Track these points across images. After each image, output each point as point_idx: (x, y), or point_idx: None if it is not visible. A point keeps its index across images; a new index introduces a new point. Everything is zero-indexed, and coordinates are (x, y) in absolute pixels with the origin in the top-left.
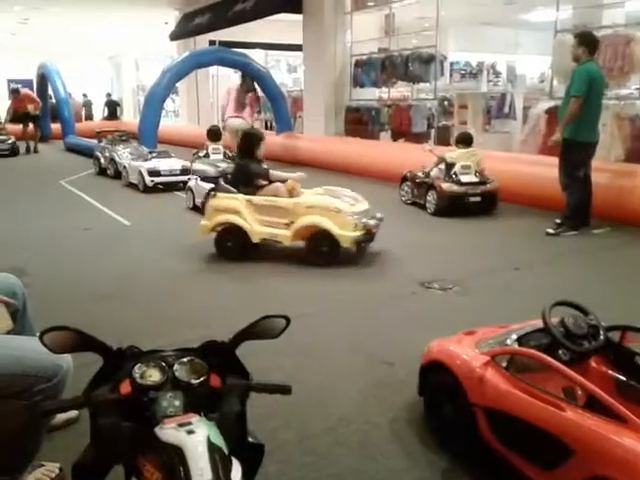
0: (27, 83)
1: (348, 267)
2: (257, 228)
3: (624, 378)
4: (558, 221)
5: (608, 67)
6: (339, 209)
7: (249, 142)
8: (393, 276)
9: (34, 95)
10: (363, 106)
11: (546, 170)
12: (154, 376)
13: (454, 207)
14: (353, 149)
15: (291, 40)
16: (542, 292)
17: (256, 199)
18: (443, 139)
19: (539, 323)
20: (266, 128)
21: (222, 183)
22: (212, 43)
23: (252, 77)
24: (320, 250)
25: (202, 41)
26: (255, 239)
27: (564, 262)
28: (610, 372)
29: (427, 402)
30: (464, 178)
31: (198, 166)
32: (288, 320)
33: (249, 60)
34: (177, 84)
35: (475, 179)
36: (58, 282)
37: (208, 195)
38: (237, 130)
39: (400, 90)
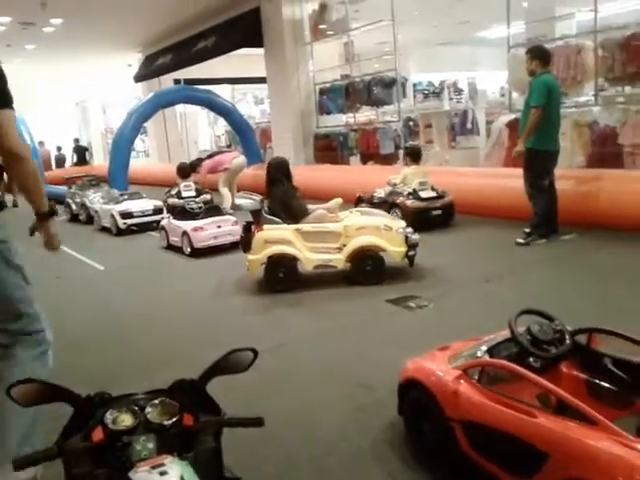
0: None
1: (318, 290)
2: (309, 255)
3: (595, 380)
4: (527, 230)
5: (562, 77)
6: (389, 227)
7: (284, 170)
8: (367, 297)
9: None
10: (331, 132)
11: (499, 181)
12: (126, 420)
13: (419, 222)
14: (323, 175)
15: (256, 73)
16: (515, 302)
17: (305, 227)
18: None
19: (508, 333)
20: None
21: (265, 215)
22: (177, 82)
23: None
24: (366, 270)
25: (167, 80)
26: (308, 267)
27: (535, 270)
28: (580, 375)
29: (407, 421)
30: (423, 194)
31: (238, 201)
32: (256, 353)
33: (213, 96)
34: (145, 124)
35: (433, 194)
36: None
37: (249, 229)
38: (242, 166)
39: (366, 114)
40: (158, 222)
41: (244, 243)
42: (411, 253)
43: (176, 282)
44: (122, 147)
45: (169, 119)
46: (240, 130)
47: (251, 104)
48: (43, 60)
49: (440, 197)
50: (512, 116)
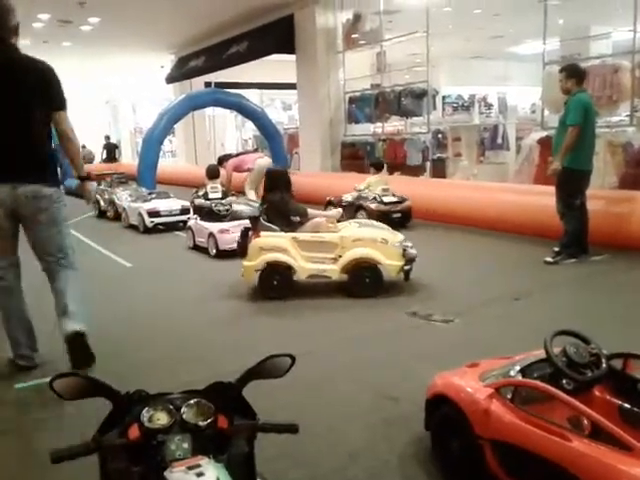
0: None
1: (342, 300)
2: (304, 265)
3: (628, 405)
4: (556, 249)
5: (597, 96)
6: (386, 240)
7: (285, 181)
8: (389, 308)
9: None
10: (358, 141)
11: (530, 198)
12: (162, 419)
13: (381, 222)
14: (349, 184)
15: (285, 79)
16: (543, 321)
17: (302, 235)
18: (438, 171)
19: (542, 353)
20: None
21: (263, 221)
22: (208, 85)
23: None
24: (364, 282)
25: (198, 83)
26: (303, 276)
27: (565, 290)
28: (614, 400)
29: (434, 436)
30: (385, 199)
31: (235, 207)
32: (293, 359)
33: (244, 100)
34: (174, 125)
35: (394, 199)
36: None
37: (246, 235)
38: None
39: (394, 124)
40: (184, 222)
41: (241, 249)
42: (407, 267)
43: (201, 282)
44: (152, 146)
45: (198, 121)
46: (269, 135)
47: (279, 110)
48: (78, 57)
49: (400, 202)
50: (544, 133)
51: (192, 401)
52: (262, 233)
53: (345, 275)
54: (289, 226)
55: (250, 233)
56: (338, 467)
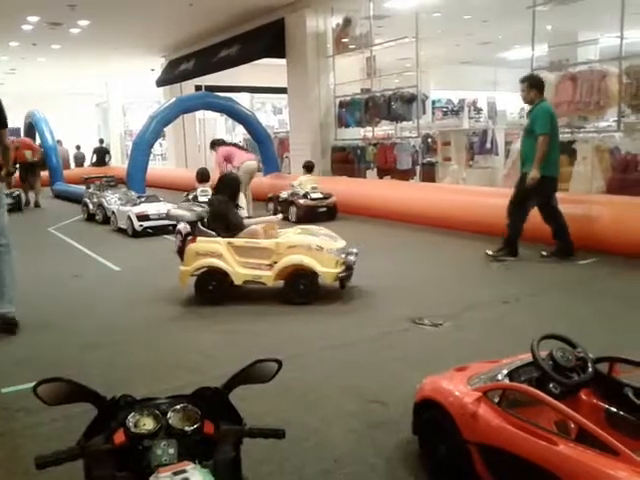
0: (14, 131)
1: (330, 304)
2: (240, 270)
3: (614, 409)
4: (499, 246)
5: (585, 102)
6: (321, 247)
7: (233, 188)
8: (379, 311)
9: (31, 141)
10: (349, 145)
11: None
12: (148, 424)
13: (309, 216)
14: (340, 187)
15: (275, 83)
16: (532, 325)
17: (237, 241)
18: (428, 175)
19: (529, 357)
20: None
21: (201, 227)
22: (198, 88)
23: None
24: (299, 288)
25: (188, 86)
26: (238, 281)
27: (553, 294)
28: (600, 404)
29: (421, 440)
30: (313, 195)
31: (175, 211)
32: (280, 364)
33: (234, 104)
34: (164, 128)
35: (321, 196)
36: (48, 330)
37: (185, 240)
38: (253, 170)
39: (384, 129)
40: (174, 226)
41: (180, 253)
42: (342, 275)
43: (190, 286)
44: (142, 150)
45: (188, 124)
46: (259, 139)
47: (269, 113)
48: (67, 60)
49: (326, 198)
50: None
51: (178, 406)
52: (198, 238)
53: (280, 281)
54: (227, 231)
55: (189, 238)
56: (324, 471)
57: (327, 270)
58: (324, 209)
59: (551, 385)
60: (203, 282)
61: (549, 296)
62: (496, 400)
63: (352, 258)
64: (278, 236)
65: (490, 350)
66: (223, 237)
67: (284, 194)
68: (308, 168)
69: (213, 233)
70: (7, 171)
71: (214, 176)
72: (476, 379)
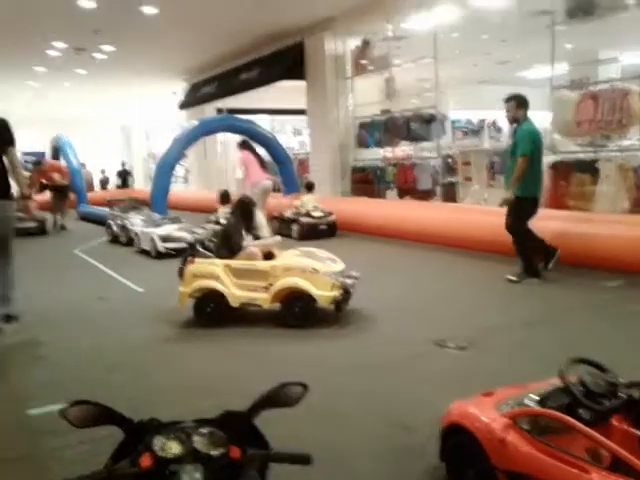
0: (40, 155)
1: (347, 328)
2: (236, 292)
3: None
4: (519, 272)
5: (607, 120)
6: (316, 270)
7: (246, 211)
8: (402, 333)
9: (59, 164)
10: (368, 166)
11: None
12: (174, 448)
13: (310, 233)
14: (360, 208)
15: (295, 105)
16: (557, 349)
17: (234, 263)
18: (448, 195)
19: (558, 382)
20: (273, 190)
21: (199, 248)
22: (219, 111)
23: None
24: (294, 311)
25: (210, 109)
26: (235, 303)
27: (578, 316)
28: (633, 430)
29: (449, 466)
30: (315, 214)
31: (175, 233)
32: (306, 387)
33: (255, 126)
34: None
35: (322, 214)
36: (73, 352)
37: (185, 261)
38: (267, 191)
39: (403, 149)
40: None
41: (180, 275)
42: (339, 298)
43: None
44: (165, 172)
45: (209, 146)
46: (279, 160)
47: (289, 135)
48: (91, 85)
49: (326, 216)
50: (555, 157)
51: (204, 430)
52: (197, 260)
53: (277, 304)
54: (231, 252)
55: (188, 259)
56: None
57: (322, 293)
58: (324, 226)
59: (581, 411)
60: (201, 304)
61: (575, 318)
62: (525, 426)
63: (349, 281)
64: (276, 258)
65: (516, 374)
66: (222, 259)
67: (288, 213)
68: (309, 187)
69: (210, 254)
70: (22, 194)
71: (235, 175)
72: (504, 404)
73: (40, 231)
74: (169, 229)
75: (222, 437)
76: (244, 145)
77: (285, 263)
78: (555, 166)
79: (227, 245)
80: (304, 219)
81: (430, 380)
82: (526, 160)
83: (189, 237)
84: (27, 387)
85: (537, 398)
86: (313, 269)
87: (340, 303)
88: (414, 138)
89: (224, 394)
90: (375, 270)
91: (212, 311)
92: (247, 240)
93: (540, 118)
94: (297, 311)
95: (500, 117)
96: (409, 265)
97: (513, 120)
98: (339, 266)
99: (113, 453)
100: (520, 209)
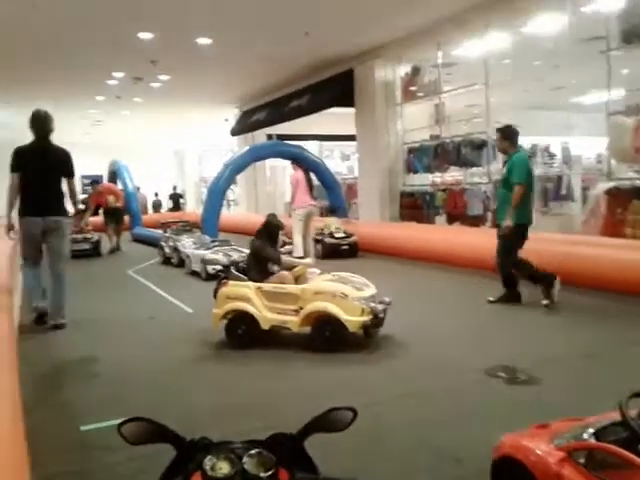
0: (98, 179)
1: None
2: (267, 315)
3: None
4: (499, 294)
5: None
6: (346, 294)
7: (271, 233)
8: (452, 362)
9: (114, 187)
10: (417, 191)
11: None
12: (224, 469)
13: (333, 252)
14: (408, 233)
15: (344, 131)
16: (618, 382)
17: (266, 286)
18: None
19: (617, 416)
20: (321, 215)
21: (233, 271)
22: (269, 137)
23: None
24: (324, 335)
25: (260, 135)
26: (265, 326)
27: (637, 349)
28: None
29: None
30: (337, 235)
31: (210, 256)
32: (355, 412)
33: (304, 151)
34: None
35: (343, 235)
36: (125, 371)
37: (219, 283)
38: (310, 215)
39: (453, 174)
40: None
41: (215, 297)
42: (367, 323)
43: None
44: (216, 196)
45: (259, 171)
46: (328, 185)
47: (337, 160)
48: (147, 112)
49: (347, 237)
50: (611, 184)
51: (254, 451)
52: (230, 282)
53: (306, 327)
54: (262, 274)
55: (222, 282)
56: None
57: (351, 318)
58: (346, 247)
59: None
60: (233, 326)
61: (636, 351)
62: (582, 461)
63: (380, 307)
64: (308, 282)
65: (572, 407)
66: (253, 281)
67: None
68: (332, 211)
69: (244, 277)
70: (76, 210)
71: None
72: (560, 438)
73: (94, 252)
74: (208, 252)
75: (271, 459)
76: (298, 164)
77: (315, 287)
78: (611, 192)
79: (257, 267)
80: (327, 239)
81: (480, 411)
82: (522, 188)
83: (224, 260)
84: (80, 402)
85: (594, 432)
86: (342, 294)
87: (369, 328)
88: (464, 163)
89: (271, 416)
90: (406, 293)
91: (243, 333)
92: (283, 257)
93: (596, 144)
94: (327, 335)
95: (554, 143)
96: (452, 290)
97: (502, 151)
98: (370, 291)
99: (165, 471)
100: (513, 236)
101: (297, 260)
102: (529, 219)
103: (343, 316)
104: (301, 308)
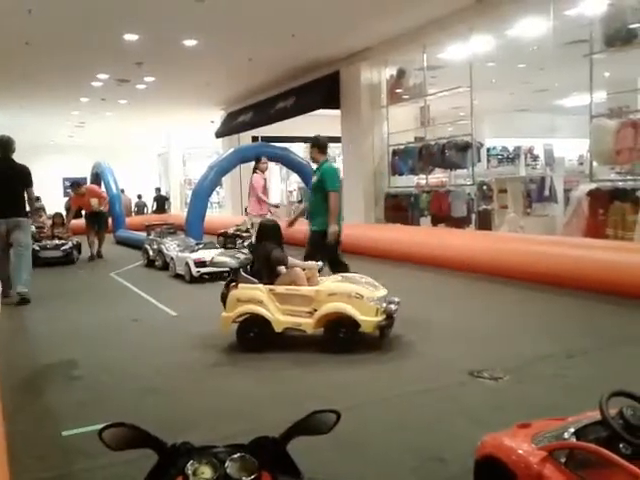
0: (81, 181)
1: (378, 354)
2: (280, 317)
3: None
4: None
5: None
6: (361, 295)
7: (274, 231)
8: (435, 363)
9: (98, 189)
10: (402, 193)
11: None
12: (206, 473)
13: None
14: (392, 235)
15: (329, 133)
16: (599, 382)
17: (278, 288)
18: (484, 223)
19: (597, 415)
20: (306, 217)
21: (242, 273)
22: (255, 139)
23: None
24: (339, 336)
25: (245, 137)
26: (278, 329)
27: (624, 348)
28: None
29: None
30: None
31: (218, 258)
32: (339, 415)
33: (289, 153)
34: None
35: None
36: (108, 374)
37: (228, 286)
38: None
39: (438, 176)
40: (229, 272)
41: (223, 300)
42: (382, 324)
43: None
44: (201, 198)
45: (244, 174)
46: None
47: None
48: (131, 113)
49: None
50: (593, 185)
51: (236, 455)
52: (240, 285)
53: (320, 329)
54: (270, 277)
55: (231, 284)
56: None
57: (367, 319)
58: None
59: (621, 445)
60: (244, 329)
61: (620, 351)
62: (563, 460)
63: (393, 307)
64: (317, 283)
65: (553, 407)
66: (265, 284)
67: (231, 229)
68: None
69: (255, 280)
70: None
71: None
72: (541, 437)
73: (67, 260)
74: (210, 254)
75: (254, 463)
76: (255, 168)
77: (330, 288)
78: (592, 194)
79: (265, 269)
80: (245, 235)
81: (463, 411)
82: (337, 195)
83: (233, 262)
84: (61, 407)
85: (575, 431)
86: (358, 294)
87: (384, 329)
88: (449, 165)
89: (255, 419)
90: (406, 295)
91: (255, 336)
92: (290, 259)
93: (579, 146)
94: (341, 337)
95: (537, 145)
96: (446, 293)
97: (313, 160)
98: (382, 292)
99: (147, 476)
100: (322, 242)
101: (304, 263)
102: (340, 225)
103: (359, 317)
104: (315, 310)
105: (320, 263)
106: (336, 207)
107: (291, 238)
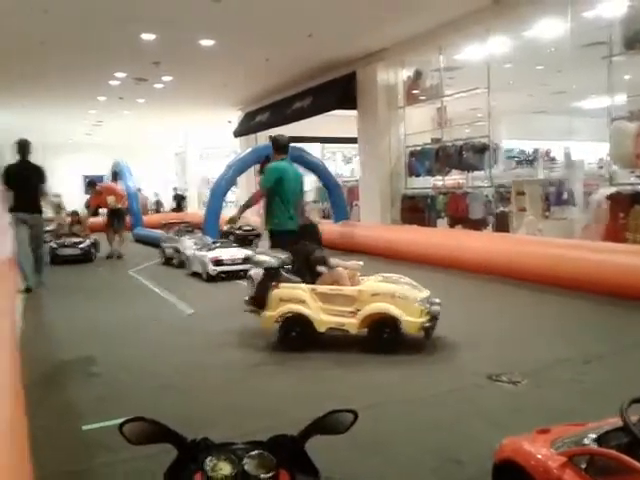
0: (99, 179)
1: (411, 355)
2: (323, 317)
3: None
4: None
5: None
6: (406, 296)
7: (311, 232)
8: (452, 366)
9: (117, 186)
10: (418, 194)
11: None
12: (224, 469)
13: (242, 241)
14: (409, 236)
15: (346, 133)
16: (617, 387)
17: (321, 288)
18: (501, 225)
19: (618, 421)
20: (323, 217)
21: (284, 273)
22: (271, 138)
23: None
24: (382, 337)
25: (262, 136)
26: (321, 328)
27: (636, 354)
28: None
29: None
30: (245, 228)
31: (259, 257)
32: (356, 415)
33: (306, 153)
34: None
35: (249, 228)
36: (126, 372)
37: (268, 285)
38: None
39: (455, 178)
40: (246, 271)
41: (257, 299)
42: (427, 325)
43: (262, 334)
44: (218, 197)
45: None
46: (329, 187)
47: (339, 162)
48: (149, 113)
49: (253, 230)
50: (613, 189)
51: (254, 452)
52: (282, 284)
53: (363, 329)
54: (312, 276)
55: (269, 284)
56: None
57: (411, 319)
58: (252, 237)
59: None
60: (287, 328)
61: (635, 356)
62: (583, 466)
63: (437, 308)
64: (359, 283)
65: (572, 412)
66: (307, 283)
67: (225, 228)
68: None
69: (296, 279)
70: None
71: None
72: (560, 443)
73: (85, 258)
74: (229, 252)
75: (272, 460)
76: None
77: (373, 288)
78: (613, 197)
79: (307, 269)
80: (237, 232)
81: (482, 414)
82: (260, 193)
83: (274, 261)
84: (81, 402)
85: (595, 437)
86: (402, 295)
87: (428, 330)
88: (466, 167)
89: (275, 416)
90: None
91: (298, 335)
92: (331, 259)
93: (598, 149)
94: (385, 337)
95: (554, 147)
96: (464, 295)
97: (273, 159)
98: (425, 292)
99: (167, 471)
100: (276, 242)
101: (345, 262)
102: (289, 225)
103: (404, 317)
104: (358, 310)
105: (361, 262)
106: (251, 203)
107: None
